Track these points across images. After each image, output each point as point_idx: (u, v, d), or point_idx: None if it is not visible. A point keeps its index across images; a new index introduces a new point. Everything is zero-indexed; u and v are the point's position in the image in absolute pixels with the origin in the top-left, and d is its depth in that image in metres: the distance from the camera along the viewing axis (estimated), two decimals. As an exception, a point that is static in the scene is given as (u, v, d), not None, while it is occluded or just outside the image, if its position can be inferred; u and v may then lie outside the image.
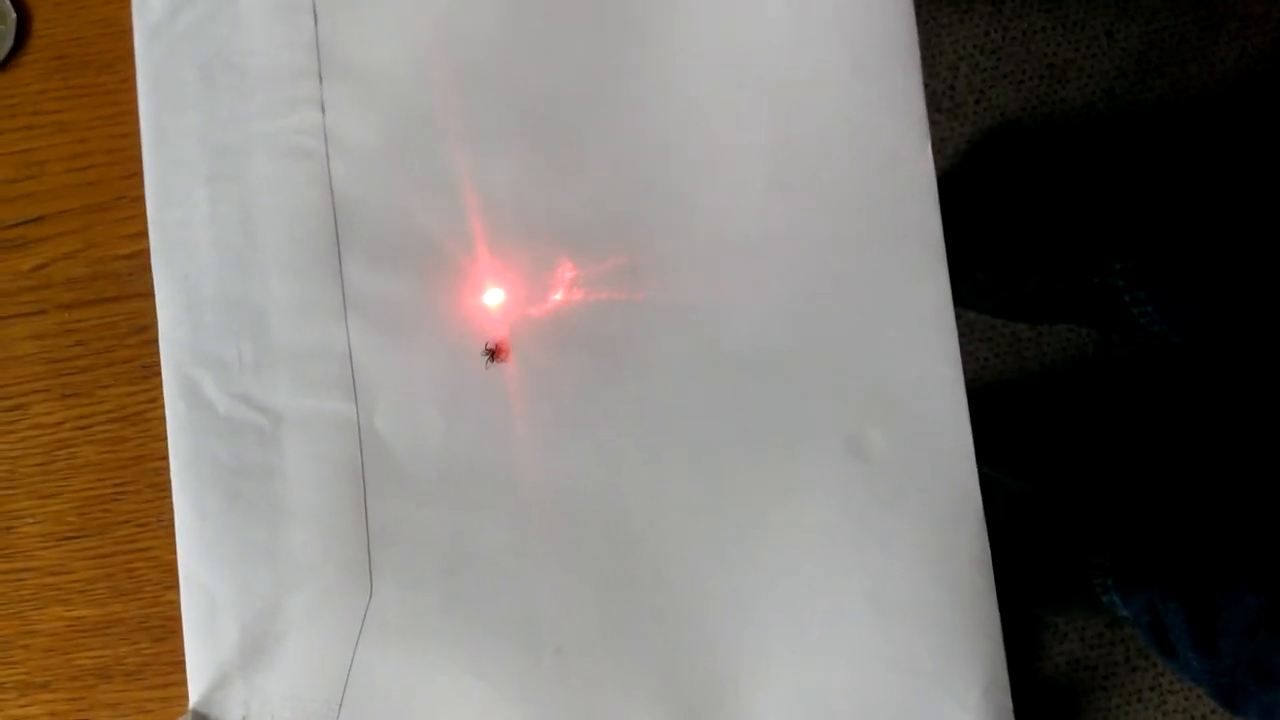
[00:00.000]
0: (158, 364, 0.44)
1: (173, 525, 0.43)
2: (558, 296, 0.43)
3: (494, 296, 0.43)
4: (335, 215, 0.44)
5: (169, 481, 0.43)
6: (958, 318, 1.01)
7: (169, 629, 0.44)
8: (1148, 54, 1.03)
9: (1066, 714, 1.03)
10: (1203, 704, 1.02)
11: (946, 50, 1.04)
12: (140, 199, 0.44)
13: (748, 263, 0.43)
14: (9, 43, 0.45)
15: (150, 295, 0.44)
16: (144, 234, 0.44)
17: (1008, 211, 0.96)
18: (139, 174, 0.44)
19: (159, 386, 0.44)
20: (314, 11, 0.44)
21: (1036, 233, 0.94)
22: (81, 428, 0.45)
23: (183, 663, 0.43)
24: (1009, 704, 0.41)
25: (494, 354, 0.43)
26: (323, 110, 0.44)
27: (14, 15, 0.45)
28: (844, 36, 0.43)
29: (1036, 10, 1.04)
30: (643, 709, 0.42)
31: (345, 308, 0.43)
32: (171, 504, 0.43)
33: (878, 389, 0.42)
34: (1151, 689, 1.02)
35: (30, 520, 0.45)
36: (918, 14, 1.05)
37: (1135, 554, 0.88)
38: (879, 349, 0.42)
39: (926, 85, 1.03)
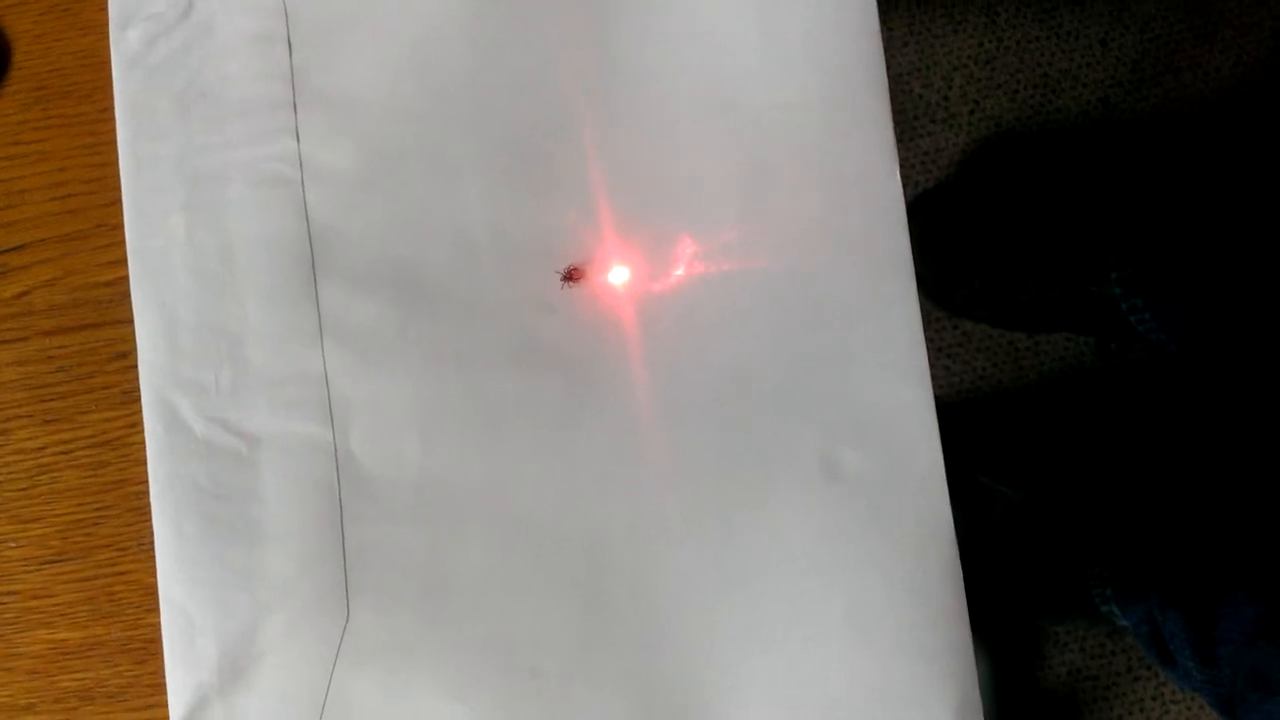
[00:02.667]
0: (138, 389, 0.44)
1: (153, 549, 0.44)
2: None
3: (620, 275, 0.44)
4: (311, 242, 0.44)
5: (149, 505, 0.44)
6: (955, 327, 1.02)
7: (150, 651, 0.45)
8: (1142, 63, 1.03)
9: (1069, 724, 1.03)
10: (1205, 715, 1.01)
11: (941, 61, 1.04)
12: (119, 227, 0.45)
13: (723, 286, 0.43)
14: (-10, 74, 0.46)
15: (130, 322, 0.45)
16: (123, 261, 0.45)
17: (1004, 221, 0.96)
18: (118, 202, 0.45)
19: (139, 412, 0.44)
20: (289, 42, 0.44)
21: (1033, 242, 0.94)
22: (63, 453, 0.46)
23: (164, 684, 0.43)
24: (981, 724, 0.41)
25: (571, 275, 0.43)
26: (298, 138, 0.44)
27: (-6, 47, 0.46)
28: (815, 64, 0.43)
29: (1031, 20, 1.04)
30: (618, 729, 0.42)
31: (321, 333, 0.44)
32: (151, 528, 0.44)
33: (851, 410, 0.43)
34: (1154, 699, 1.02)
35: (13, 545, 0.45)
36: (912, 25, 1.05)
37: (1133, 563, 0.88)
38: (852, 371, 0.43)
39: (921, 96, 1.04)
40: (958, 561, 0.42)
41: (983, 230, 0.96)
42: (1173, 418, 1.01)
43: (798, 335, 0.43)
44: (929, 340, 1.03)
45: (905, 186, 1.03)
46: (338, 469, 0.43)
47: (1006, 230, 0.96)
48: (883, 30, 0.43)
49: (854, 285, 0.43)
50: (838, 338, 0.43)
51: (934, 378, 1.05)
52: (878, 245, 0.43)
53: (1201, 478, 1.00)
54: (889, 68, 1.05)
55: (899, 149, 1.01)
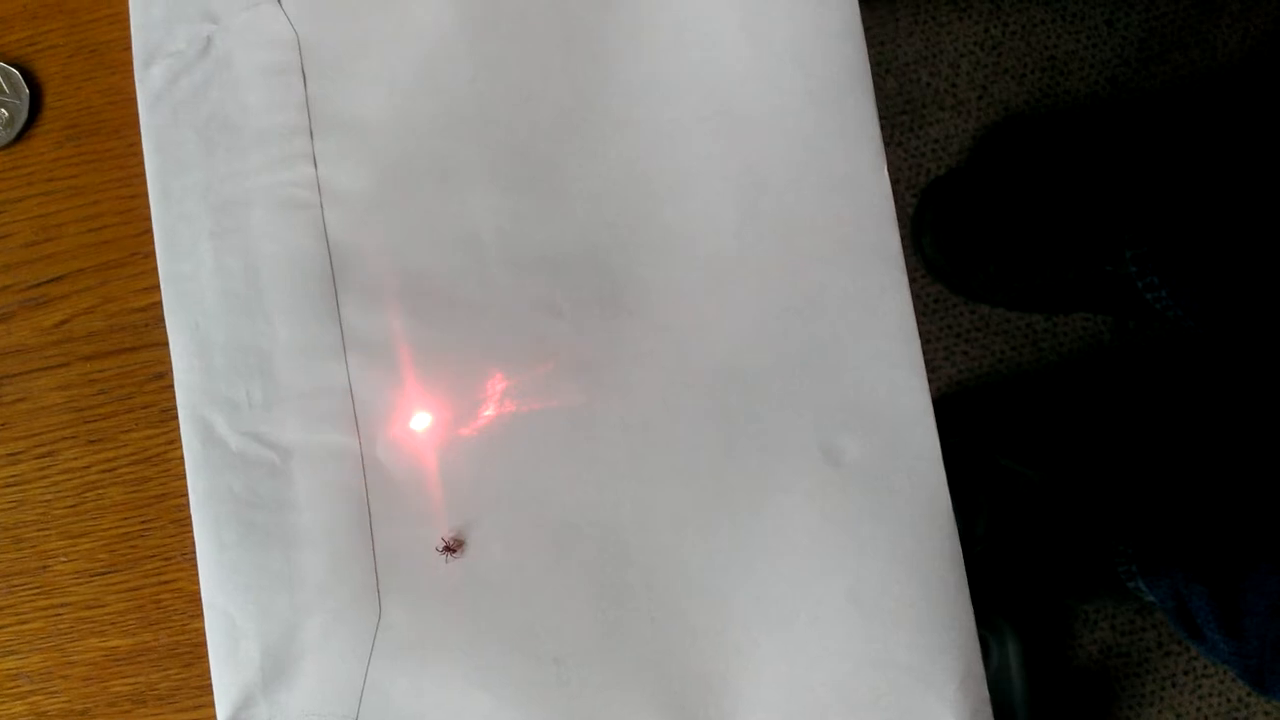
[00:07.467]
0: (175, 408, 0.47)
1: (195, 558, 0.46)
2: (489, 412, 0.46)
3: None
4: (331, 261, 0.46)
5: (190, 517, 0.46)
6: (972, 312, 1.03)
7: (196, 655, 0.47)
8: (1149, 41, 1.04)
9: (1101, 701, 1.03)
10: (1238, 687, 1.02)
11: (947, 48, 1.05)
12: (151, 255, 0.47)
13: (721, 284, 0.45)
14: (24, 116, 0.48)
15: (165, 344, 0.47)
16: (156, 287, 0.47)
17: (1017, 204, 0.97)
18: (149, 231, 0.47)
19: (177, 429, 0.47)
20: (303, 73, 0.47)
21: (1046, 224, 0.95)
22: (107, 470, 0.48)
23: (210, 685, 0.46)
24: (985, 694, 0.43)
25: (450, 549, 0.45)
26: (315, 164, 0.47)
27: (27, 90, 0.48)
28: (800, 68, 0.45)
29: (1035, 4, 1.05)
30: (638, 710, 0.44)
31: (344, 347, 0.46)
32: (193, 537, 0.46)
33: (849, 399, 0.44)
34: (1186, 673, 1.03)
35: (64, 559, 0.48)
36: (918, 15, 1.06)
37: (1157, 539, 0.89)
38: (848, 361, 0.44)
39: (929, 84, 1.05)
40: (956, 538, 0.43)
41: (996, 214, 0.97)
42: (1192, 393, 1.02)
43: (794, 329, 0.44)
44: (947, 326, 1.04)
45: (917, 174, 1.04)
46: (365, 475, 0.46)
47: (1020, 213, 0.96)
48: (889, 21, 0.45)
49: (846, 278, 0.44)
50: (833, 329, 0.44)
51: (953, 362, 1.06)
52: (868, 239, 0.44)
53: (1223, 452, 1.00)
54: (897, 57, 1.06)
55: (909, 137, 1.02)
